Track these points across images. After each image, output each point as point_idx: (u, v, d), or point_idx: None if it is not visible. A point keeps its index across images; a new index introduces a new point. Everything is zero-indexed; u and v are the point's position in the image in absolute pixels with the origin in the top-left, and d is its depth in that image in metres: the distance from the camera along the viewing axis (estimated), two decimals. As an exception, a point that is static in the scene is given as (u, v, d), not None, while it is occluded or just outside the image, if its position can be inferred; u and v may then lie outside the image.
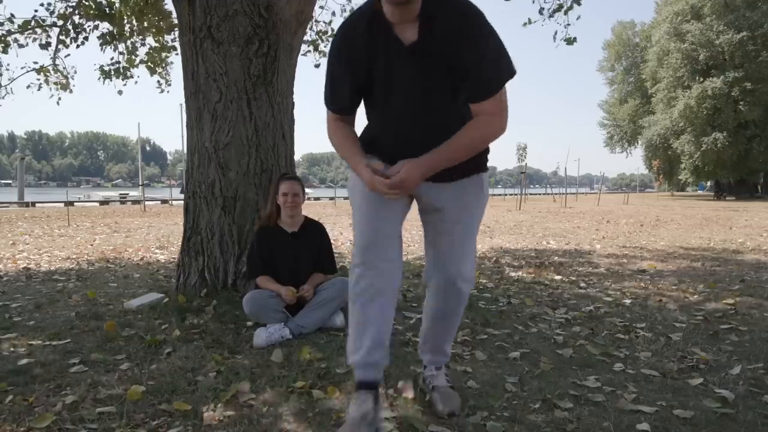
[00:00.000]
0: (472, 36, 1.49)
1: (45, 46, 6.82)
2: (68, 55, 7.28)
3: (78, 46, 6.89)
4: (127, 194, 36.61)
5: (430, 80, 1.57)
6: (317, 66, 7.46)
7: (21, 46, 6.74)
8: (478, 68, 1.51)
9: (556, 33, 5.73)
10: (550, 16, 5.83)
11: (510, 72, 1.53)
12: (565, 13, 5.73)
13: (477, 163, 1.75)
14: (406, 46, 1.54)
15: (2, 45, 6.51)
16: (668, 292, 3.99)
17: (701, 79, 30.98)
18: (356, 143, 1.70)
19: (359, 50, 1.58)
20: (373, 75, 1.60)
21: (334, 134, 1.72)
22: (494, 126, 1.57)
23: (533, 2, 5.89)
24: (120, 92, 7.50)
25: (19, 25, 6.57)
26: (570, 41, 5.72)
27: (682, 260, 5.70)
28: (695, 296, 3.83)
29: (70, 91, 7.66)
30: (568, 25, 5.76)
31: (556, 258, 5.88)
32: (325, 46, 7.41)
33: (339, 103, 1.70)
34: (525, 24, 6.00)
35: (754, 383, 2.15)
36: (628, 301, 3.65)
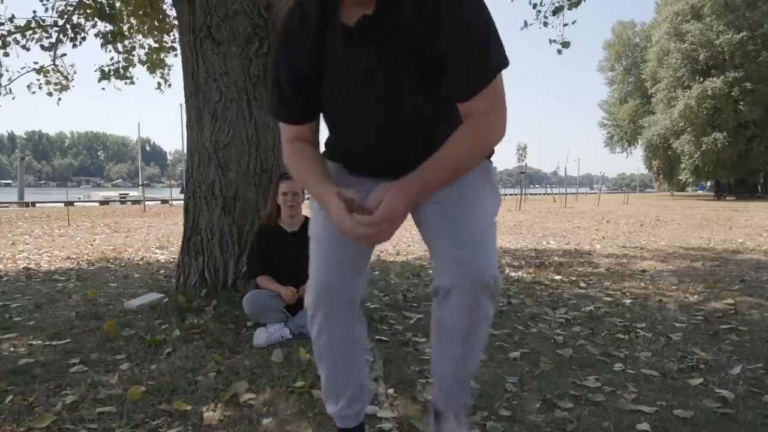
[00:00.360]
0: (451, 6, 1.08)
1: (47, 48, 6.82)
2: (64, 54, 7.25)
3: (74, 46, 6.89)
4: (127, 194, 36.62)
5: (390, 70, 1.16)
6: None
7: (24, 47, 6.74)
8: (460, 52, 1.10)
9: (551, 41, 5.76)
10: (545, 21, 5.85)
11: (502, 59, 1.14)
12: (554, 14, 5.75)
13: None
14: (354, 25, 1.15)
15: (1, 43, 6.51)
16: (668, 292, 3.99)
17: (701, 79, 30.99)
18: (320, 166, 1.30)
19: (304, 40, 1.22)
20: (321, 70, 1.24)
21: (291, 157, 1.33)
22: (491, 129, 1.17)
23: (533, 8, 5.91)
24: (119, 89, 7.50)
25: (17, 26, 6.57)
26: (565, 45, 5.74)
27: (682, 260, 5.70)
28: (695, 296, 3.83)
29: (69, 91, 7.66)
30: (566, 25, 5.78)
31: (556, 258, 5.88)
32: None
33: (287, 112, 1.32)
34: (522, 28, 6.02)
35: (754, 383, 2.15)
36: (628, 301, 3.65)
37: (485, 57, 1.11)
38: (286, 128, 1.34)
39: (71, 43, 6.87)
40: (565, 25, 5.76)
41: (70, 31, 6.74)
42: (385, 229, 1.13)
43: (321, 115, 1.34)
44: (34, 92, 7.24)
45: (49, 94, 7.38)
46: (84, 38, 6.88)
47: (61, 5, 6.61)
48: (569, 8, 5.65)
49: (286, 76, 1.25)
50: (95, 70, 7.17)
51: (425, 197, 1.20)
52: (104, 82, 7.22)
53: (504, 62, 1.14)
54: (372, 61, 1.16)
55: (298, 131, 1.33)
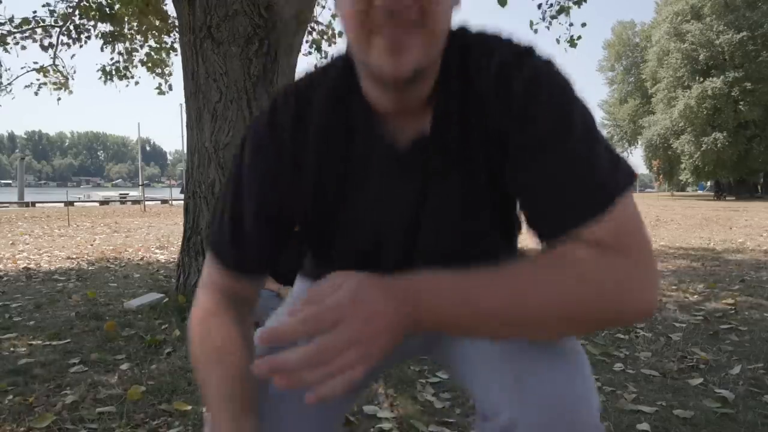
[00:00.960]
0: (539, 138, 0.68)
1: (46, 48, 6.84)
2: (74, 55, 7.29)
3: (81, 46, 6.91)
4: (127, 194, 36.62)
5: (454, 213, 0.78)
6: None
7: (23, 47, 6.76)
8: (553, 190, 0.68)
9: (559, 38, 5.77)
10: (552, 18, 5.86)
11: (620, 177, 0.69)
12: (558, 13, 5.76)
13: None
14: (404, 148, 0.75)
15: (1, 43, 6.52)
16: (668, 292, 3.99)
17: (701, 79, 31.01)
18: (241, 378, 0.73)
19: (301, 163, 0.78)
20: (321, 210, 0.80)
21: (203, 336, 0.79)
22: (608, 275, 0.63)
23: (538, 8, 5.92)
24: (119, 91, 7.52)
25: (16, 26, 6.58)
26: (573, 44, 5.75)
27: (682, 260, 5.70)
28: (695, 296, 3.83)
29: (70, 92, 7.67)
30: (571, 25, 5.80)
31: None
32: (328, 46, 7.42)
33: (238, 255, 0.81)
34: (533, 29, 6.02)
35: (754, 383, 2.15)
36: (628, 301, 3.65)
37: (589, 177, 0.66)
38: (214, 272, 0.82)
39: (78, 45, 6.89)
40: (570, 25, 5.78)
41: (73, 32, 6.75)
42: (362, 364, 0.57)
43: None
44: (36, 93, 7.25)
45: (56, 89, 7.38)
46: (89, 38, 6.90)
47: (62, 7, 6.62)
48: (576, 4, 5.65)
49: (256, 210, 0.79)
50: (97, 70, 7.19)
51: (425, 329, 0.63)
52: (108, 83, 7.25)
53: (624, 182, 0.69)
54: (426, 192, 0.77)
55: (235, 283, 0.82)
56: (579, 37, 5.78)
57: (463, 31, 0.76)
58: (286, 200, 0.79)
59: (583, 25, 5.82)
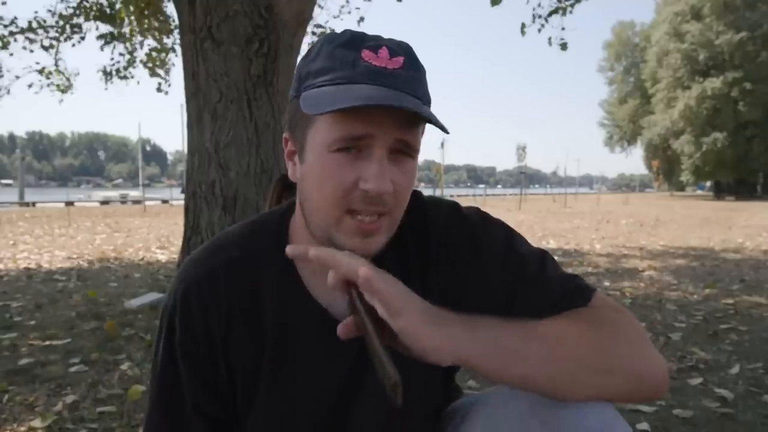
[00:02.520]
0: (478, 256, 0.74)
1: (47, 48, 6.84)
2: (60, 58, 7.27)
3: (73, 45, 6.91)
4: (128, 194, 36.63)
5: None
6: None
7: (31, 51, 6.78)
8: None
9: (550, 40, 5.77)
10: (541, 17, 5.86)
11: (584, 290, 0.72)
12: (550, 15, 5.76)
13: None
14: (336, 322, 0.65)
15: (1, 44, 6.53)
16: (668, 292, 3.99)
17: (701, 80, 31.02)
18: None
19: (227, 355, 0.72)
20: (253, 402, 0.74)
21: None
22: (622, 332, 0.66)
23: (532, 11, 5.92)
24: (121, 92, 7.54)
25: (18, 26, 6.59)
26: (563, 47, 5.75)
27: (682, 260, 5.71)
28: (695, 296, 3.83)
29: (71, 93, 7.68)
30: (563, 29, 5.80)
31: (556, 258, 5.86)
32: None
33: None
34: (523, 32, 6.02)
35: (754, 383, 2.15)
36: (627, 301, 3.65)
37: (568, 284, 0.73)
38: None
39: (70, 43, 6.89)
40: (563, 29, 5.78)
41: (68, 30, 6.76)
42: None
43: None
44: (36, 92, 7.26)
45: (56, 91, 7.39)
46: (83, 38, 6.90)
47: (62, 8, 6.63)
48: (572, 5, 5.65)
49: (198, 400, 0.73)
50: (98, 71, 7.20)
51: (463, 362, 0.60)
52: (108, 83, 7.26)
53: (587, 292, 0.72)
54: (360, 378, 0.74)
55: None
56: (565, 45, 5.77)
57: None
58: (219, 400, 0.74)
59: (575, 29, 5.84)
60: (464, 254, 0.73)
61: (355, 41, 0.65)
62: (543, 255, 0.75)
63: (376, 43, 0.65)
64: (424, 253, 0.75)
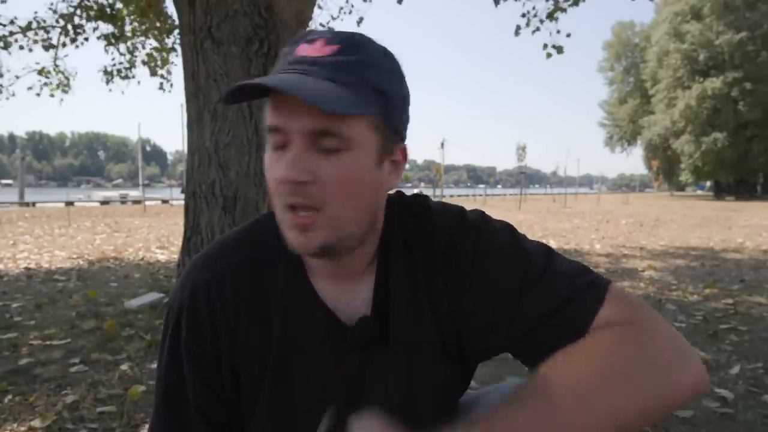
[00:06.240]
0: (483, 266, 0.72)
1: (47, 48, 6.85)
2: (66, 55, 7.31)
3: (77, 47, 6.91)
4: (128, 194, 36.62)
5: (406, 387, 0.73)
6: None
7: (30, 50, 6.78)
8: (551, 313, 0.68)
9: (545, 45, 5.76)
10: (538, 27, 5.86)
11: (596, 286, 0.72)
12: (547, 17, 5.75)
13: None
14: (349, 332, 0.72)
15: (2, 45, 6.53)
16: (668, 292, 3.99)
17: (701, 80, 31.03)
18: None
19: (231, 347, 0.72)
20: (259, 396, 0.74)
21: None
22: (646, 342, 0.63)
23: (522, 16, 5.91)
24: (122, 92, 7.53)
25: (20, 26, 6.59)
26: (559, 50, 5.75)
27: (682, 260, 5.71)
28: (695, 296, 3.83)
29: (71, 92, 7.68)
30: (558, 32, 5.79)
31: (556, 258, 5.88)
32: None
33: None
34: (517, 34, 6.02)
35: (754, 383, 2.15)
36: (627, 301, 3.65)
37: (580, 279, 0.72)
38: None
39: (73, 45, 6.89)
40: (557, 32, 5.77)
41: (71, 32, 6.76)
42: None
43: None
44: (38, 93, 7.26)
45: (51, 95, 7.40)
46: (87, 39, 6.90)
47: (63, 7, 6.63)
48: (571, 5, 5.65)
49: (199, 397, 0.73)
50: (99, 71, 7.20)
51: None
52: (111, 84, 7.26)
53: (604, 278, 0.73)
54: (363, 379, 0.73)
55: None
56: (561, 49, 5.76)
57: (401, 195, 0.77)
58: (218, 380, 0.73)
59: (568, 35, 5.83)
60: (470, 257, 0.72)
61: (300, 37, 0.64)
62: (548, 252, 0.73)
63: (318, 35, 0.63)
64: (430, 257, 0.73)
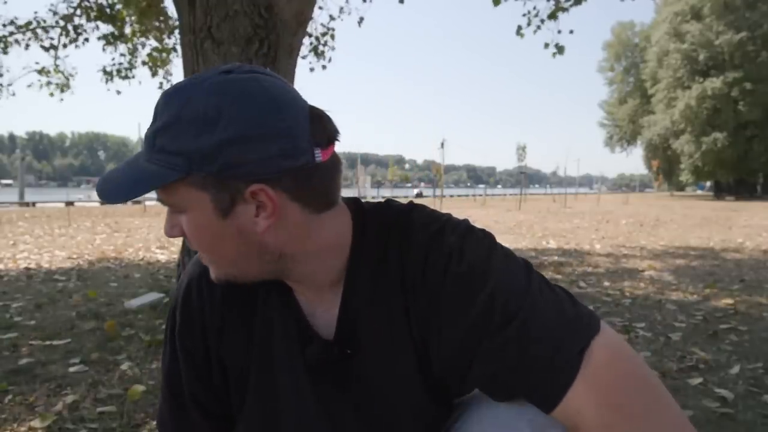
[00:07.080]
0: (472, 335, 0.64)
1: (47, 48, 6.85)
2: (67, 56, 7.33)
3: (77, 47, 6.91)
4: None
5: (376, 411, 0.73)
6: (312, 70, 7.53)
7: (27, 46, 6.77)
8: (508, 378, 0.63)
9: (546, 44, 5.77)
10: (539, 26, 5.86)
11: (585, 331, 0.61)
12: (549, 18, 5.75)
13: None
14: (312, 351, 0.72)
15: (2, 45, 6.53)
16: (668, 291, 3.99)
17: (701, 80, 31.03)
18: None
19: (213, 342, 0.76)
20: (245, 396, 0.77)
21: None
22: None
23: (524, 16, 5.91)
24: (119, 92, 7.53)
25: (19, 26, 6.59)
26: (560, 50, 5.75)
27: (682, 260, 5.71)
28: (695, 296, 3.83)
29: (70, 91, 7.67)
30: (560, 31, 5.80)
31: (556, 258, 5.88)
32: (328, 50, 7.43)
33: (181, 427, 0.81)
34: (519, 33, 6.02)
35: (754, 383, 2.15)
36: (627, 301, 3.65)
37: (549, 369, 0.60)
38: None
39: (74, 45, 6.89)
40: (559, 32, 5.77)
41: (72, 32, 6.76)
42: None
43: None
44: (35, 92, 7.26)
45: (51, 94, 7.40)
46: (87, 39, 6.90)
47: (63, 7, 6.63)
48: (573, 5, 5.65)
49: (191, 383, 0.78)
50: (98, 71, 7.20)
51: None
52: (110, 83, 7.26)
53: (591, 329, 0.61)
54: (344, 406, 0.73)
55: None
56: (562, 49, 5.76)
57: (389, 206, 0.74)
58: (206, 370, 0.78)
59: (571, 32, 5.83)
60: (437, 288, 0.66)
61: None
62: (527, 290, 0.65)
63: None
64: (401, 276, 0.69)
